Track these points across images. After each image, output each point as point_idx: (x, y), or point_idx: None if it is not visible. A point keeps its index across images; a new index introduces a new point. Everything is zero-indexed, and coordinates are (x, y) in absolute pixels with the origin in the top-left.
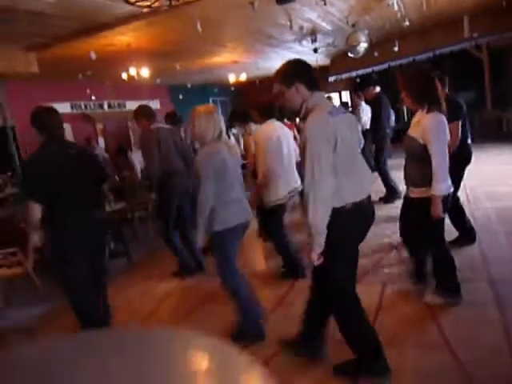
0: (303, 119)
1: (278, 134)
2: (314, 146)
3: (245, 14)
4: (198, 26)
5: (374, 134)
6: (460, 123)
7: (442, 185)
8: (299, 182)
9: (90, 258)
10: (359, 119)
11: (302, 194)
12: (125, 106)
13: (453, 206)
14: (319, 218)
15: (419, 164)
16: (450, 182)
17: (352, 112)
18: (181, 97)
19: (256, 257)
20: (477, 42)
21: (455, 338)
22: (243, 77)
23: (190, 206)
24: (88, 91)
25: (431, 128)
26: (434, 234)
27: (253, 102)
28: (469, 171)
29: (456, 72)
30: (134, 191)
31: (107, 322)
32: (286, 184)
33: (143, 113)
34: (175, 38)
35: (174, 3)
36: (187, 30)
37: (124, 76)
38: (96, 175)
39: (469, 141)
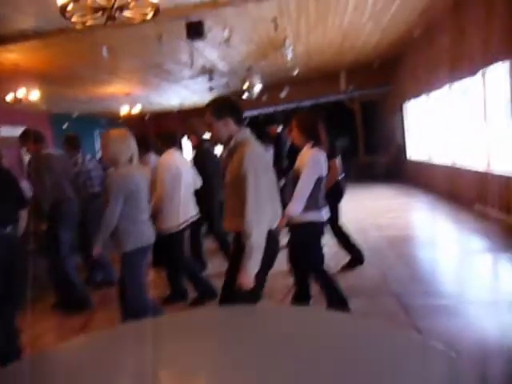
0: (231, 151)
1: (178, 163)
2: (256, 174)
3: (149, 46)
4: (104, 52)
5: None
6: (336, 161)
7: (295, 206)
8: (196, 210)
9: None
10: None
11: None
12: None
13: (339, 233)
14: (263, 239)
15: (293, 190)
16: (322, 211)
17: None
18: (64, 126)
19: None
20: (351, 94)
21: None
22: (137, 109)
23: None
24: None
25: (309, 160)
26: (311, 258)
27: (157, 131)
28: (355, 206)
29: (332, 120)
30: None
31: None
32: (184, 212)
33: (32, 137)
34: (68, 62)
35: (109, 23)
36: (86, 55)
37: (8, 98)
38: (13, 195)
39: (341, 177)
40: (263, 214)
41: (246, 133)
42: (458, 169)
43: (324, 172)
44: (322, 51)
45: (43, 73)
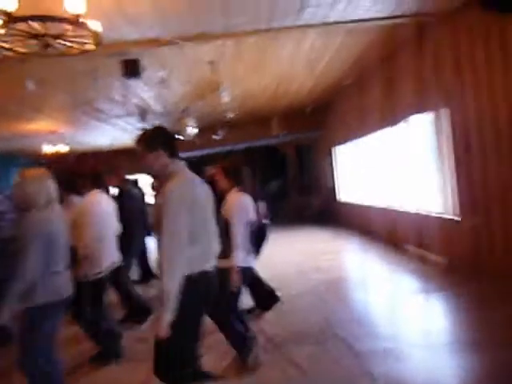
0: (162, 184)
1: (103, 205)
2: (173, 211)
3: (81, 82)
4: (29, 85)
5: None
6: (262, 205)
7: (240, 254)
8: (118, 255)
9: None
10: None
11: None
12: None
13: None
14: (176, 284)
15: (225, 238)
16: (249, 256)
17: None
18: None
19: None
20: (284, 139)
21: None
22: (62, 148)
23: None
24: None
25: (235, 205)
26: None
27: (82, 171)
28: (292, 249)
29: (266, 164)
30: None
31: None
32: (109, 256)
33: None
34: None
35: (42, 53)
36: (11, 87)
37: None
38: None
39: (266, 221)
40: (177, 259)
41: (178, 164)
42: (390, 211)
43: (251, 216)
44: (256, 96)
45: None
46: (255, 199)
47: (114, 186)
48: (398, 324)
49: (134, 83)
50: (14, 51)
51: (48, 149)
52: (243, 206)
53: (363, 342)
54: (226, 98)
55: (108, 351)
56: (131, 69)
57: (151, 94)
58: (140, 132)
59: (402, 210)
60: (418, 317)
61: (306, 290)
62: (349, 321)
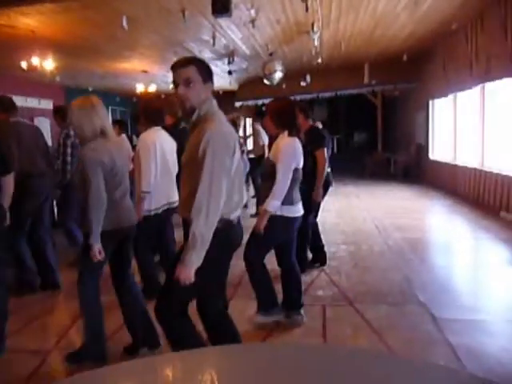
0: (193, 126)
1: (161, 141)
2: (217, 156)
3: (171, 21)
4: (124, 23)
5: None
6: (325, 150)
7: (275, 202)
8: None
9: None
10: (259, 143)
11: None
12: None
13: (312, 230)
14: (212, 229)
15: (269, 182)
16: (296, 206)
17: (253, 135)
18: None
19: None
20: (374, 88)
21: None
22: (152, 88)
23: (48, 208)
24: None
25: (283, 149)
26: (258, 250)
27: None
28: (370, 204)
29: (351, 113)
30: None
31: None
32: (164, 195)
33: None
34: (86, 33)
35: None
36: (104, 25)
37: (23, 65)
38: None
39: (328, 169)
40: (216, 204)
41: (215, 105)
42: (485, 172)
43: (300, 163)
44: (349, 40)
45: (59, 42)
46: (316, 145)
47: (168, 124)
48: (483, 295)
49: (223, 23)
50: None
51: (140, 88)
52: (292, 152)
53: (444, 310)
54: (316, 41)
55: (151, 288)
56: (221, 6)
57: (240, 36)
58: (227, 77)
59: (497, 172)
60: (507, 290)
61: (388, 248)
62: (431, 285)
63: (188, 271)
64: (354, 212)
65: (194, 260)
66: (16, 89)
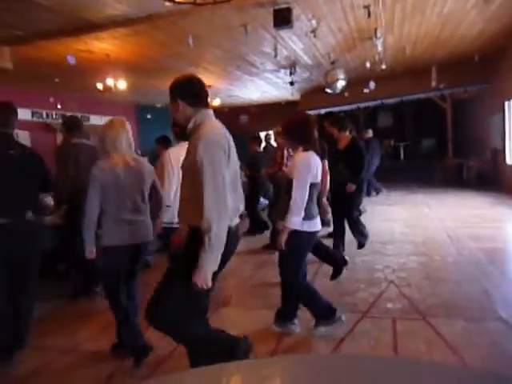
0: (189, 136)
1: (177, 156)
2: (213, 162)
3: (233, 36)
4: (190, 41)
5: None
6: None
7: (294, 218)
8: None
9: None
10: None
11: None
12: (88, 120)
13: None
14: (224, 235)
15: (286, 197)
16: (313, 220)
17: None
18: (148, 116)
19: None
20: (442, 92)
21: None
22: (217, 102)
23: None
24: (51, 100)
25: (297, 165)
26: (292, 269)
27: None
28: (441, 213)
29: (419, 119)
30: None
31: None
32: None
33: (65, 125)
34: (154, 52)
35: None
36: (170, 44)
37: (99, 86)
38: (36, 179)
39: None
40: (224, 205)
41: (202, 114)
42: None
43: (318, 177)
44: (415, 43)
45: (131, 63)
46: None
47: None
48: None
49: (284, 34)
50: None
51: None
52: (305, 167)
53: None
54: (379, 46)
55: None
56: (283, 18)
57: (301, 46)
58: (289, 88)
59: None
60: None
61: (462, 259)
62: None
63: (206, 275)
64: (423, 221)
65: (212, 263)
66: (93, 108)
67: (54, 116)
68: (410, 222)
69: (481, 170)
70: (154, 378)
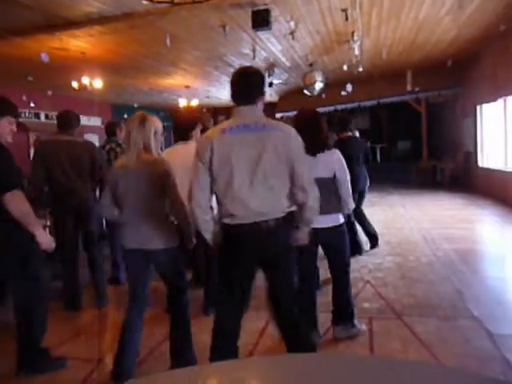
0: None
1: (181, 158)
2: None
3: (211, 37)
4: (168, 41)
5: None
6: None
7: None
8: None
9: None
10: None
11: None
12: None
13: None
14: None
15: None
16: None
17: None
18: (125, 116)
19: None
20: (417, 95)
21: None
22: (195, 102)
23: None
24: (24, 98)
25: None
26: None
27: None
28: (416, 214)
29: (394, 122)
30: None
31: None
32: None
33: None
34: (132, 52)
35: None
36: (148, 43)
37: (74, 85)
38: None
39: None
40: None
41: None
42: None
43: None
44: (391, 47)
45: (107, 62)
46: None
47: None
48: None
49: (262, 36)
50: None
51: (182, 103)
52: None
53: (500, 325)
54: (356, 50)
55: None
56: (261, 19)
57: (279, 48)
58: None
59: None
60: None
61: (436, 259)
62: (484, 298)
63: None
64: (399, 222)
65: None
66: (68, 107)
67: (26, 115)
68: (386, 223)
69: (454, 172)
70: (133, 379)
